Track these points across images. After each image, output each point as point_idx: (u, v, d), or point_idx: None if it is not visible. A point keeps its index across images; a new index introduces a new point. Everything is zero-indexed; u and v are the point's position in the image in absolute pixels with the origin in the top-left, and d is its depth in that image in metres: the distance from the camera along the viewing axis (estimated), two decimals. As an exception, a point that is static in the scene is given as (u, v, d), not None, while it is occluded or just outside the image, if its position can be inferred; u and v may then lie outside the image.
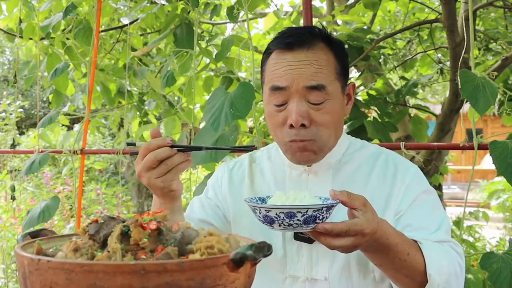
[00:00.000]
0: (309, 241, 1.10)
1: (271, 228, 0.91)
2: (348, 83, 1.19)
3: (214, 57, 2.40)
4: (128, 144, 1.02)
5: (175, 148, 0.98)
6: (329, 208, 0.89)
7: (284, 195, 0.94)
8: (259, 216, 0.92)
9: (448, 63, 3.40)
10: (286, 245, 1.14)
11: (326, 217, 0.89)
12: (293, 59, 1.09)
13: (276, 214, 0.88)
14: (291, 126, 1.08)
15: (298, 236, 1.12)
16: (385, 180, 1.15)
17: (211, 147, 1.16)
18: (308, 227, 0.88)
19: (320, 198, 0.96)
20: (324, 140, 1.11)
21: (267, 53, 1.15)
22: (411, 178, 1.14)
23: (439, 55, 3.76)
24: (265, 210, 0.89)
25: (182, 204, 1.11)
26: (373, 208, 0.94)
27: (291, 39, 1.11)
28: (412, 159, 2.80)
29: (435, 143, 2.72)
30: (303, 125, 1.07)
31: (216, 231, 0.70)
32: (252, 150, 1.07)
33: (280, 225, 0.89)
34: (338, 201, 0.90)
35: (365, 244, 0.92)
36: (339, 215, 0.95)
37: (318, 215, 0.87)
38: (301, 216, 0.87)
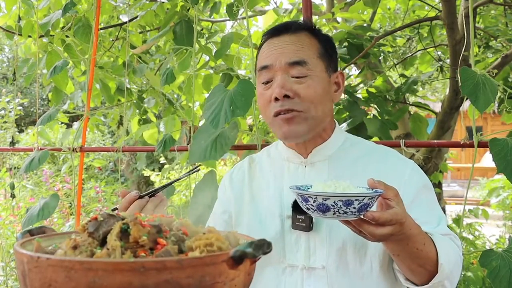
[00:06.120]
0: (307, 229, 1.12)
1: (322, 217, 0.90)
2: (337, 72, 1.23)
3: (213, 54, 2.39)
4: (113, 210, 1.17)
5: (146, 196, 1.14)
6: (378, 197, 0.91)
7: (323, 184, 0.93)
8: (312, 205, 0.90)
9: (448, 61, 3.40)
10: (285, 236, 1.16)
11: (371, 206, 0.90)
12: (278, 42, 1.17)
13: (334, 202, 0.87)
14: (276, 99, 1.13)
15: (295, 225, 1.14)
16: (385, 174, 1.13)
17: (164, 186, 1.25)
18: (360, 214, 0.89)
19: (357, 187, 0.95)
20: (310, 112, 1.13)
21: (260, 47, 1.23)
22: (409, 174, 1.16)
23: (439, 52, 3.75)
24: (322, 198, 0.88)
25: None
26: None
27: (278, 27, 1.21)
28: (412, 156, 2.80)
29: (435, 141, 2.72)
30: (287, 96, 1.12)
31: (215, 228, 0.70)
32: (198, 171, 1.22)
33: (334, 213, 0.88)
34: (383, 190, 0.91)
35: (398, 233, 0.93)
36: None
37: (370, 203, 0.89)
38: (358, 204, 0.87)
